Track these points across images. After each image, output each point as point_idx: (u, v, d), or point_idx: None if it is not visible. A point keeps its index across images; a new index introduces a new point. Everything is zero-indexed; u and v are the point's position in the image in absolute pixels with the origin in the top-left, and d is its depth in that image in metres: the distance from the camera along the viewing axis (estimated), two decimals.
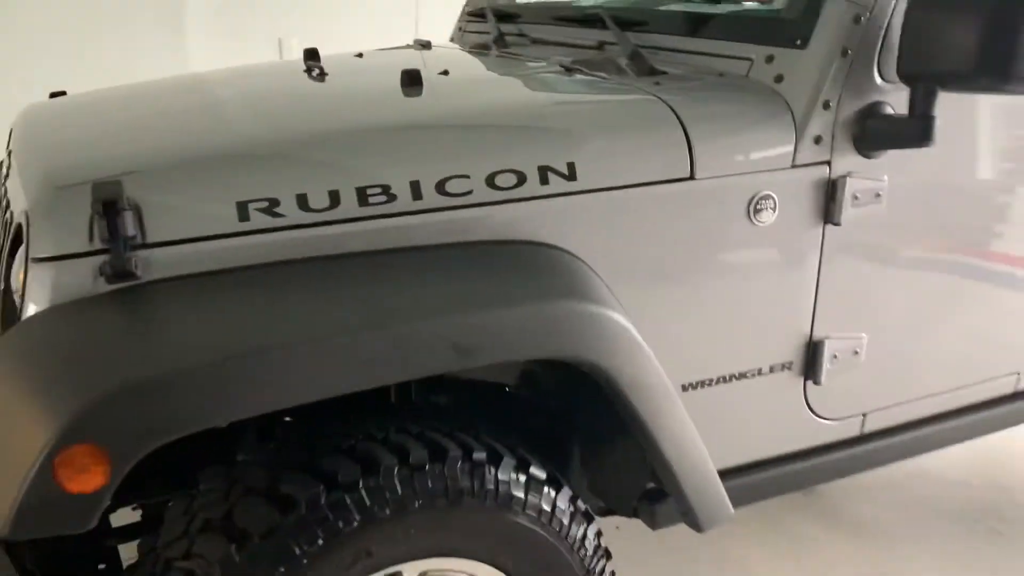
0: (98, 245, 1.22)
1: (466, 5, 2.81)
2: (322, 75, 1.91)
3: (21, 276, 1.30)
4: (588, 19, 2.08)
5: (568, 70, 1.81)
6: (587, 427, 1.69)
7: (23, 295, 1.23)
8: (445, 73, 1.83)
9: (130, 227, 1.21)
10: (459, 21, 2.80)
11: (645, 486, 1.68)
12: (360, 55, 2.26)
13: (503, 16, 2.44)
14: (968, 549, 2.47)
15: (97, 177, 1.25)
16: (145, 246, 1.24)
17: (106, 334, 1.14)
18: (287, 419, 1.50)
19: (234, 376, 1.09)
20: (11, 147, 1.67)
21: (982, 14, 1.42)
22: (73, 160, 1.39)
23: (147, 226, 1.24)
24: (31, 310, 1.21)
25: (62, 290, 1.21)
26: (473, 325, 1.22)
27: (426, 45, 2.41)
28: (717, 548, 2.40)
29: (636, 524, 1.71)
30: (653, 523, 1.70)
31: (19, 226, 1.31)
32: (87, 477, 1.02)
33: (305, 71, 1.98)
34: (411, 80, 1.67)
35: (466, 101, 1.66)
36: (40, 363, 1.12)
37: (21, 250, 1.30)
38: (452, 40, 2.75)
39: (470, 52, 2.31)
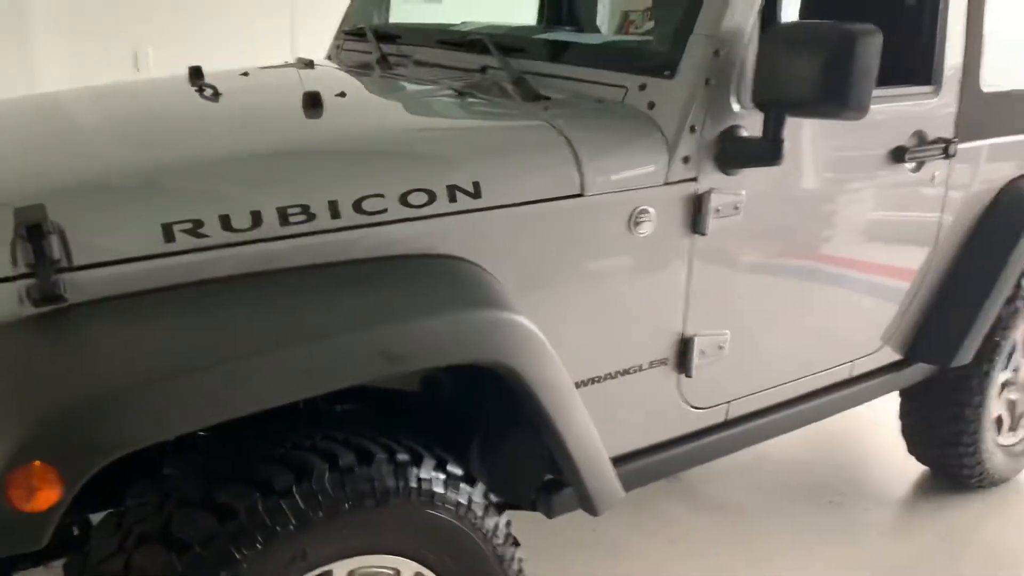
0: (22, 269, 1.23)
1: (342, 24, 2.87)
2: (216, 95, 1.94)
3: None
4: (471, 44, 2.20)
5: (460, 94, 1.93)
6: (485, 427, 1.81)
7: None
8: (342, 95, 1.90)
9: (56, 250, 1.23)
10: (336, 40, 2.86)
11: (543, 479, 1.83)
12: (246, 73, 2.29)
13: (384, 37, 2.53)
14: (814, 520, 2.76)
15: (16, 200, 1.26)
16: (71, 269, 1.26)
17: (44, 357, 1.16)
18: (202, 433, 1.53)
19: (183, 391, 1.14)
20: None
21: (822, 51, 1.65)
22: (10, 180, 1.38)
23: (72, 249, 1.26)
24: None
25: None
26: (401, 334, 1.32)
27: (309, 64, 2.47)
28: (590, 531, 2.57)
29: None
30: (550, 512, 1.84)
31: None
32: (39, 496, 1.05)
33: (196, 90, 2.00)
34: (312, 102, 1.75)
35: (370, 123, 1.75)
36: None
37: None
38: (329, 58, 2.80)
39: (356, 73, 2.38)
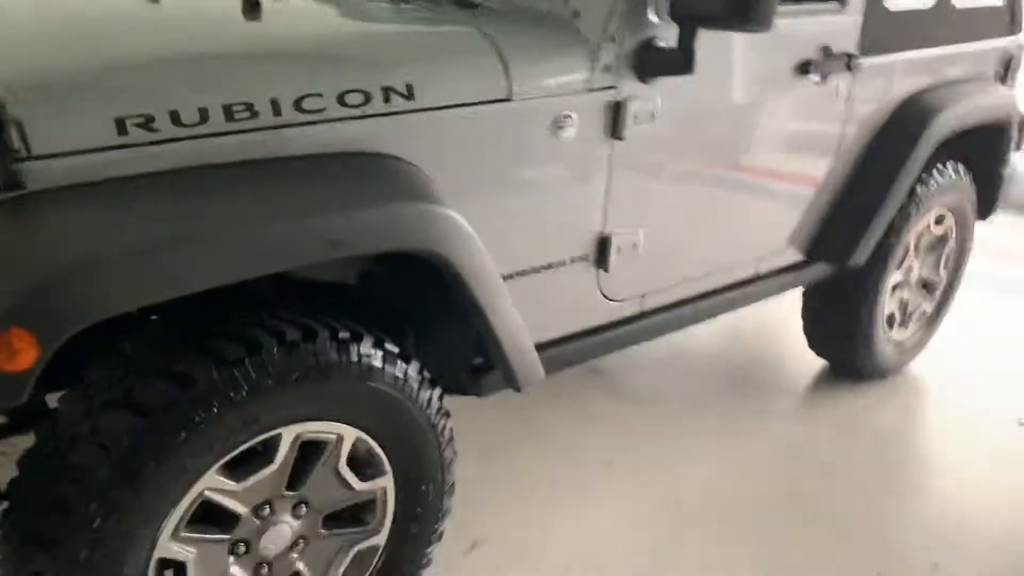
0: None
1: None
2: None
3: None
4: None
5: (394, 1, 2.02)
6: (419, 317, 1.96)
7: None
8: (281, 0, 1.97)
9: (15, 141, 1.32)
10: None
11: (471, 363, 2.00)
12: None
13: None
14: (722, 407, 3.03)
15: None
16: (30, 158, 1.35)
17: (12, 237, 1.27)
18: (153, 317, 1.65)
19: (144, 265, 1.26)
20: None
21: None
22: None
23: (30, 140, 1.35)
24: None
25: None
26: (343, 222, 1.46)
27: None
28: (525, 420, 2.79)
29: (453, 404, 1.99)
30: (479, 392, 2.03)
31: None
32: (18, 357, 1.17)
33: None
34: (252, 7, 1.82)
35: (308, 27, 1.83)
36: None
37: None
38: None
39: None
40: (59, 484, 1.35)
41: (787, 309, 3.39)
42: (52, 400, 1.54)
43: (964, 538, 2.46)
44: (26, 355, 1.18)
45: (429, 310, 1.94)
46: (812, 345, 3.23)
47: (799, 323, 3.19)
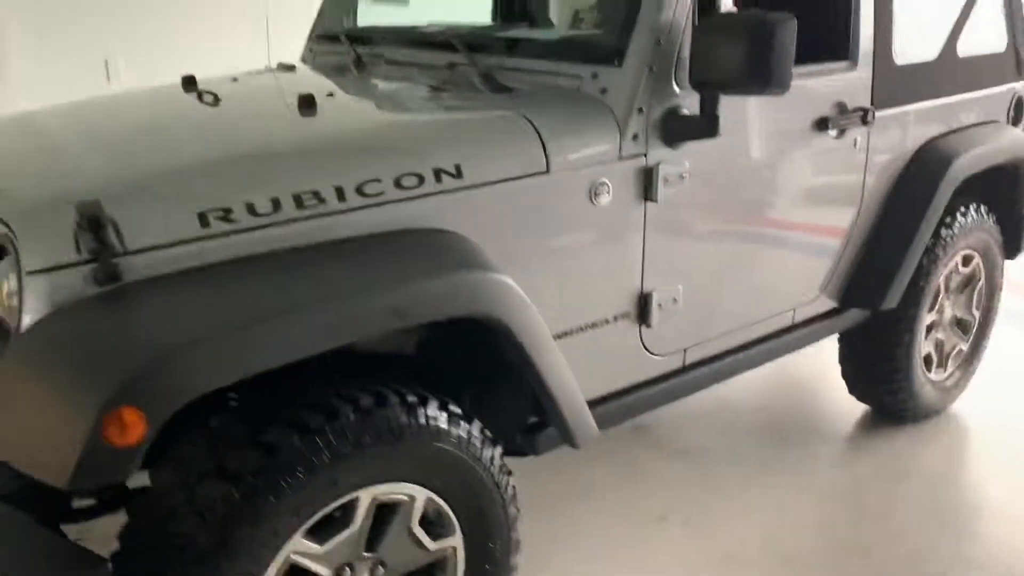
0: (85, 256, 1.46)
1: (313, 29, 3.09)
2: (216, 100, 2.17)
3: (3, 287, 1.52)
4: (440, 44, 2.45)
5: (435, 89, 2.18)
6: (474, 380, 2.06)
7: (19, 301, 1.45)
8: (331, 95, 2.14)
9: (113, 239, 1.47)
10: (308, 44, 3.07)
11: (527, 421, 2.10)
12: (235, 79, 2.51)
13: (356, 39, 2.76)
14: (767, 457, 3.07)
15: (74, 197, 1.49)
16: (125, 253, 1.49)
17: (119, 324, 1.40)
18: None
19: (236, 344, 1.39)
20: None
21: (746, 38, 1.93)
22: (46, 181, 1.61)
23: (125, 237, 1.49)
24: (30, 313, 1.44)
25: (57, 294, 1.45)
26: (408, 294, 1.59)
27: (291, 68, 2.70)
28: (576, 478, 2.85)
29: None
30: (535, 450, 2.11)
31: None
32: (129, 433, 1.29)
33: (196, 97, 2.22)
34: (307, 103, 1.99)
35: (361, 119, 2.00)
36: (71, 350, 1.37)
37: (3, 265, 1.52)
38: (304, 62, 3.02)
39: (335, 74, 2.61)
40: (160, 553, 1.45)
41: (826, 358, 3.45)
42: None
43: (985, 554, 2.48)
44: (135, 431, 1.29)
45: (483, 374, 2.04)
46: (852, 390, 3.29)
47: (837, 371, 3.25)
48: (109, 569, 1.36)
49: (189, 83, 2.37)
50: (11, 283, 1.51)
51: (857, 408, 3.36)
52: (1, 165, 1.77)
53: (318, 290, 1.53)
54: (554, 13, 3.43)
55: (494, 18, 3.54)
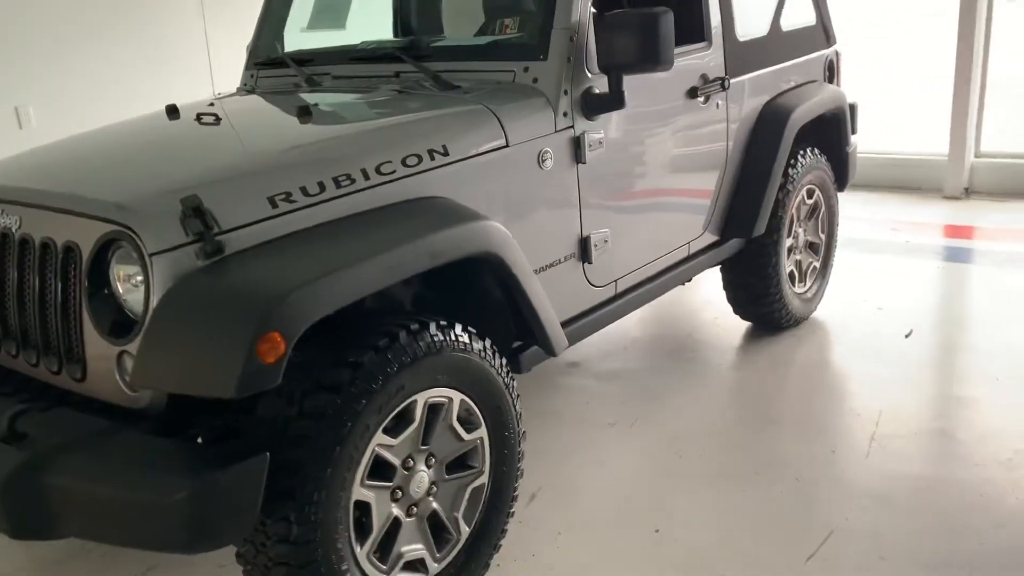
0: (191, 237, 1.90)
1: (250, 59, 3.50)
2: (218, 120, 2.60)
3: (121, 272, 1.94)
4: (385, 56, 2.96)
5: (400, 92, 2.70)
6: (466, 315, 2.57)
7: (148, 275, 1.86)
8: (315, 105, 2.61)
9: (211, 222, 1.92)
10: (247, 73, 3.48)
11: (512, 345, 2.64)
12: (212, 104, 2.93)
13: (301, 62, 3.21)
14: (680, 371, 3.75)
15: (173, 194, 1.93)
16: (220, 233, 1.94)
17: (247, 278, 1.85)
18: None
19: (332, 283, 1.87)
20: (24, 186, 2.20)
21: (638, 29, 2.55)
22: (139, 186, 2.03)
23: (219, 220, 1.94)
24: (159, 285, 1.86)
25: (176, 268, 1.88)
26: (439, 239, 2.11)
27: (251, 91, 3.13)
28: (537, 406, 3.42)
29: None
30: (520, 368, 2.66)
31: (108, 238, 1.93)
32: (275, 351, 1.75)
33: (196, 120, 2.64)
34: (304, 112, 2.46)
35: (356, 119, 2.49)
36: (219, 300, 1.81)
37: (120, 253, 1.93)
38: (247, 90, 3.40)
39: (294, 91, 3.06)
40: (285, 452, 1.89)
41: (710, 292, 4.16)
42: None
43: (863, 409, 3.25)
44: (279, 349, 1.75)
45: (475, 309, 2.55)
46: (736, 310, 4.01)
47: (718, 300, 3.97)
48: (267, 457, 1.81)
49: (173, 111, 2.78)
50: (129, 268, 1.93)
51: (740, 325, 4.10)
52: (79, 178, 2.17)
53: (377, 244, 2.02)
54: (449, 25, 4.00)
55: (395, 34, 4.05)
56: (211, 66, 5.16)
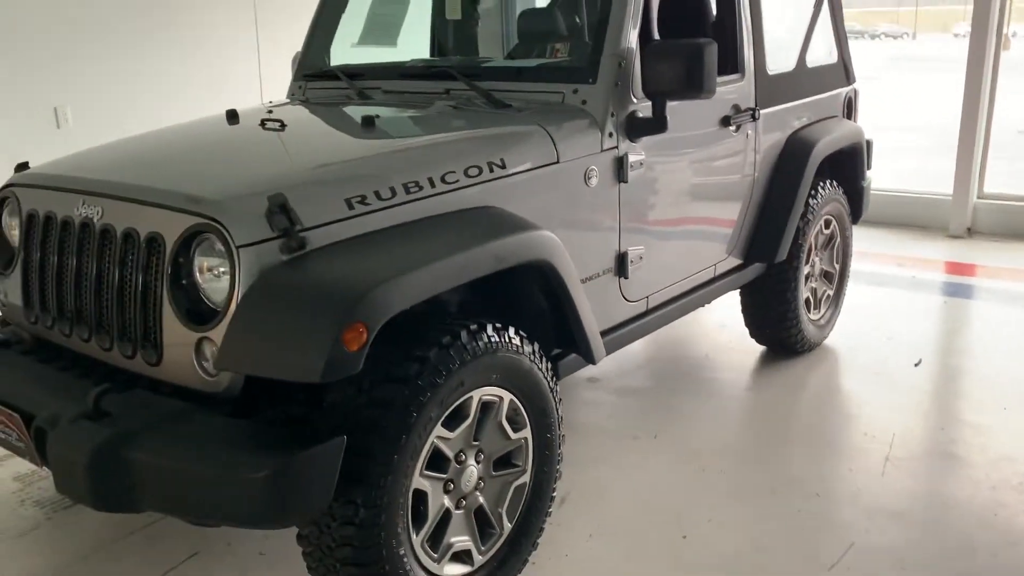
0: (276, 233, 2.02)
1: (299, 71, 3.64)
2: (283, 126, 2.72)
3: (204, 263, 2.05)
4: (437, 74, 3.11)
5: (456, 108, 2.84)
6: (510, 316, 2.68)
7: (235, 266, 1.97)
8: (377, 116, 2.74)
9: (296, 220, 2.04)
10: (295, 84, 3.62)
11: (552, 351, 2.76)
12: (270, 111, 3.05)
13: (352, 75, 3.36)
14: (697, 390, 3.87)
15: (260, 192, 2.05)
16: (304, 230, 2.06)
17: (332, 272, 1.97)
18: None
19: (411, 280, 1.99)
20: (111, 180, 2.31)
21: (681, 58, 2.70)
22: (224, 183, 2.15)
23: (301, 218, 2.06)
24: (245, 276, 1.98)
25: (261, 261, 1.99)
26: (503, 246, 2.23)
27: (306, 102, 3.27)
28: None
29: None
30: (558, 375, 2.77)
31: (194, 230, 2.04)
32: (358, 340, 1.86)
33: (260, 125, 2.77)
34: (368, 122, 2.60)
35: (421, 131, 2.62)
36: (307, 290, 1.92)
37: (204, 245, 2.05)
38: (299, 100, 3.53)
39: (347, 103, 3.20)
40: (357, 437, 2.00)
41: (728, 316, 4.30)
42: None
43: (876, 431, 3.38)
44: (362, 338, 1.87)
45: (516, 316, 2.66)
46: (753, 334, 4.15)
47: (735, 324, 4.10)
48: (344, 440, 1.92)
49: (232, 115, 2.92)
50: (213, 259, 2.05)
51: (755, 349, 4.23)
52: (163, 174, 2.29)
53: (448, 246, 2.15)
54: (492, 47, 4.17)
55: (432, 54, 4.21)
56: (260, 75, 5.30)
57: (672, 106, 2.93)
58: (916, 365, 4.09)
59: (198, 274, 2.08)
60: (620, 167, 2.86)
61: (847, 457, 3.25)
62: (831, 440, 3.40)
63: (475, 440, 2.31)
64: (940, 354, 4.31)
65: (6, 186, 2.60)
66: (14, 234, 2.56)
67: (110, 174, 2.37)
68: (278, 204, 2.02)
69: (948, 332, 4.69)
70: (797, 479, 3.10)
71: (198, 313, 2.07)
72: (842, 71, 4.33)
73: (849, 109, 4.41)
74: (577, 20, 3.75)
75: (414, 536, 2.18)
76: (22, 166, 2.67)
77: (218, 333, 1.99)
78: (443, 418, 2.17)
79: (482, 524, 2.40)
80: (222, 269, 2.03)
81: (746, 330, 4.17)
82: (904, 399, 3.73)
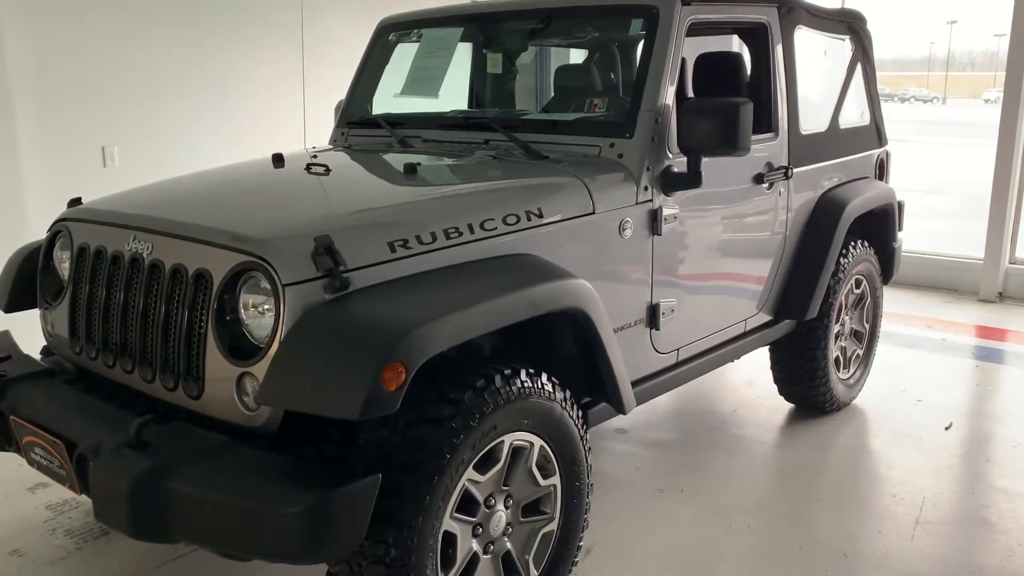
0: (321, 273, 2.08)
1: (342, 118, 3.75)
2: (328, 171, 2.81)
3: (250, 300, 2.11)
4: (477, 125, 3.19)
5: (495, 158, 2.91)
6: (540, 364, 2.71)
7: (280, 303, 2.03)
8: (418, 164, 2.82)
9: (340, 261, 2.10)
10: (337, 130, 3.73)
11: (582, 400, 2.78)
12: (315, 156, 3.15)
13: (393, 124, 3.45)
14: (724, 446, 3.86)
15: (306, 233, 2.11)
16: (348, 271, 2.12)
17: (374, 312, 2.02)
18: None
19: (447, 324, 2.03)
20: (158, 217, 2.39)
21: (717, 116, 2.76)
22: (270, 225, 2.22)
23: (346, 260, 2.12)
24: (289, 314, 2.03)
25: (305, 300, 2.05)
26: (538, 293, 2.27)
27: (349, 148, 3.36)
28: None
29: None
30: (588, 423, 2.79)
31: (241, 268, 2.10)
32: (396, 380, 1.90)
33: (305, 168, 2.85)
34: (411, 169, 2.67)
35: (458, 179, 2.69)
36: (350, 329, 1.97)
37: (251, 283, 2.10)
38: (341, 146, 3.64)
39: (384, 151, 3.29)
40: (392, 475, 2.02)
41: (755, 372, 4.30)
42: None
43: (906, 494, 3.34)
44: (400, 378, 1.91)
45: (546, 363, 2.69)
46: (781, 391, 4.14)
47: (763, 381, 4.09)
48: (380, 478, 1.94)
49: (278, 159, 3.01)
50: (258, 297, 2.11)
51: (783, 406, 4.22)
52: (212, 213, 2.37)
53: (486, 290, 2.20)
54: (521, 101, 4.26)
55: (470, 106, 4.31)
56: (305, 122, 5.45)
57: (706, 162, 2.99)
58: (947, 428, 4.05)
59: (243, 310, 2.13)
60: (654, 220, 2.91)
61: (876, 518, 3.22)
62: (860, 501, 3.36)
63: (505, 485, 2.33)
64: (971, 418, 4.27)
65: (59, 220, 2.69)
66: (64, 267, 2.64)
67: (161, 211, 2.45)
68: (324, 245, 2.08)
69: (979, 396, 4.65)
70: (825, 539, 3.07)
71: (241, 349, 2.12)
72: (874, 133, 4.38)
73: (881, 170, 4.44)
74: (612, 76, 3.85)
75: None
76: (75, 201, 2.76)
77: (260, 369, 2.04)
78: (475, 461, 2.20)
79: (508, 571, 2.40)
80: (267, 306, 2.09)
81: (774, 387, 4.16)
82: (934, 462, 3.69)
